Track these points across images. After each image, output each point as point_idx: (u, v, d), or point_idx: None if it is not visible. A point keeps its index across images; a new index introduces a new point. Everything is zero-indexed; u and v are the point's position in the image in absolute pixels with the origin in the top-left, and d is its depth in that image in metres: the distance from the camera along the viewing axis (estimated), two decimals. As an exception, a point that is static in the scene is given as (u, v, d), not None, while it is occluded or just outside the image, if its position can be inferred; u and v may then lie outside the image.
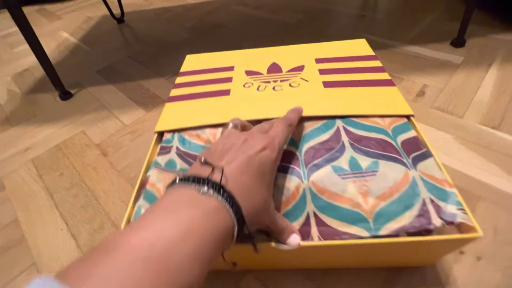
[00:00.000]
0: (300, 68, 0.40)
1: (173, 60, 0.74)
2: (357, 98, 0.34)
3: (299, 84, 0.37)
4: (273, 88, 0.37)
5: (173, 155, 0.30)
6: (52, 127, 0.58)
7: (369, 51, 0.43)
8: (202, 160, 0.20)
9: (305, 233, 0.24)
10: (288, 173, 0.27)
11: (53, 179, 0.47)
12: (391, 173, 0.26)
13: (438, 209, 0.24)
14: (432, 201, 0.24)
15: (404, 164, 0.26)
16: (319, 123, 0.32)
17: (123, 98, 0.63)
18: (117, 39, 0.89)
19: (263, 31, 0.82)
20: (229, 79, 0.41)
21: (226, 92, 0.38)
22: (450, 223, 0.23)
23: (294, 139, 0.31)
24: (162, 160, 0.29)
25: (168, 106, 0.38)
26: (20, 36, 0.59)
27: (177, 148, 0.32)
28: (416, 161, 0.27)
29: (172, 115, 0.36)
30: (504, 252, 0.31)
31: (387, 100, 0.34)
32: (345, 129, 0.31)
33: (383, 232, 0.23)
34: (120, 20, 0.98)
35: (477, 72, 0.57)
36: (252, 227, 0.20)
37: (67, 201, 0.43)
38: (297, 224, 0.25)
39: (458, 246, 0.24)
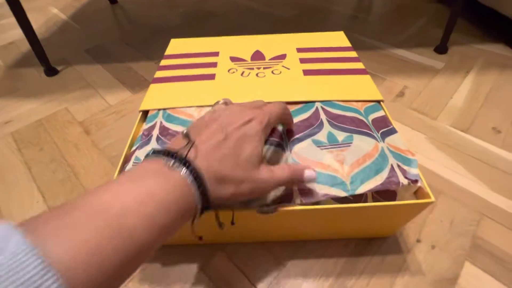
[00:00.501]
0: (282, 57, 0.43)
1: (164, 44, 0.72)
2: (333, 85, 0.37)
3: (280, 72, 0.39)
4: (257, 75, 0.39)
5: (153, 143, 0.31)
6: (35, 102, 0.57)
7: (346, 43, 0.46)
8: (184, 132, 0.20)
9: (287, 197, 0.26)
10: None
11: (32, 153, 0.47)
12: (363, 145, 0.29)
13: (403, 172, 0.27)
14: (398, 165, 0.27)
15: (374, 137, 0.30)
16: (300, 105, 0.35)
17: (110, 78, 0.63)
18: (108, 19, 0.88)
19: (256, 24, 0.82)
20: (214, 64, 0.42)
21: (211, 77, 0.39)
22: (415, 181, 0.26)
23: None
24: (141, 154, 0.30)
25: (153, 87, 0.39)
26: (7, 8, 0.58)
27: (160, 128, 0.33)
28: (384, 135, 0.31)
29: (157, 95, 0.37)
30: (457, 242, 0.34)
31: (361, 87, 0.37)
32: (323, 109, 0.34)
33: (358, 191, 0.25)
34: (113, 0, 0.96)
35: (455, 78, 0.59)
36: (227, 202, 0.20)
37: (45, 175, 0.43)
38: (280, 188, 0.27)
39: (419, 210, 0.27)
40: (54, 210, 0.15)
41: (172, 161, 0.18)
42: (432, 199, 0.25)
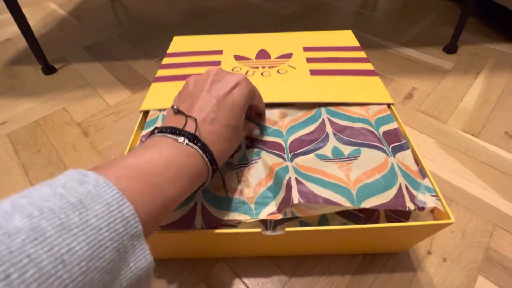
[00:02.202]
0: (288, 56, 0.41)
1: (165, 42, 0.71)
2: (341, 86, 0.36)
3: (286, 71, 0.38)
4: (261, 74, 0.38)
5: None
6: (32, 102, 0.56)
7: (355, 42, 0.44)
8: (175, 108, 0.23)
9: (286, 201, 0.24)
10: (274, 155, 0.28)
11: (29, 155, 0.46)
12: (372, 158, 0.27)
13: (411, 196, 0.25)
14: (407, 187, 0.25)
15: (384, 151, 0.28)
16: (305, 117, 0.33)
17: (110, 77, 0.61)
18: (108, 15, 0.86)
19: (258, 20, 0.80)
20: (217, 63, 0.41)
21: None
22: (421, 208, 0.24)
23: (280, 131, 0.31)
24: None
25: (154, 86, 0.37)
26: (3, 3, 0.56)
27: None
28: (395, 151, 0.28)
29: (158, 95, 0.36)
30: (469, 254, 0.32)
31: (370, 89, 0.35)
32: (329, 120, 0.32)
33: (364, 205, 0.23)
34: (112, -4, 0.94)
35: (465, 79, 0.57)
36: (222, 163, 0.24)
37: (42, 179, 0.42)
38: (281, 195, 0.25)
39: (432, 232, 0.25)
40: (100, 165, 0.17)
41: (182, 138, 0.21)
42: (452, 220, 0.23)
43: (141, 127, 0.33)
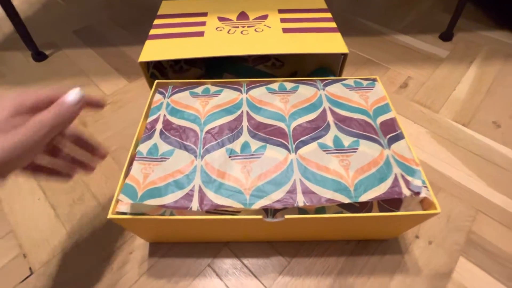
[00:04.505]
0: (264, 17, 0.47)
1: (159, 26, 0.69)
2: (308, 41, 0.42)
3: (263, 30, 0.44)
4: (241, 32, 0.43)
5: (155, 138, 0.30)
6: (25, 91, 0.55)
7: (323, 5, 0.50)
8: None
9: (290, 199, 0.26)
10: (277, 146, 0.30)
11: (28, 147, 0.46)
12: (369, 151, 0.29)
13: (407, 183, 0.27)
14: (402, 175, 0.27)
15: (380, 144, 0.30)
16: (307, 103, 0.34)
17: (104, 64, 0.60)
18: (96, -4, 0.81)
19: None
20: (203, 23, 0.46)
21: (201, 34, 0.44)
22: (417, 193, 0.26)
23: (283, 116, 0.32)
24: (144, 148, 0.30)
25: (149, 42, 0.43)
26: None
27: (164, 121, 0.32)
28: (391, 141, 0.30)
29: (153, 50, 0.41)
30: (453, 237, 0.35)
31: (330, 42, 0.42)
32: (331, 110, 0.33)
33: (362, 199, 0.25)
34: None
35: (459, 68, 0.59)
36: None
37: (44, 171, 0.42)
38: (283, 190, 0.26)
39: (422, 220, 0.28)
40: None
41: None
42: (438, 210, 0.25)
43: (144, 123, 0.34)
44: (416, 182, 0.27)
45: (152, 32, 0.45)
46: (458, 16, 0.62)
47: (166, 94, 0.36)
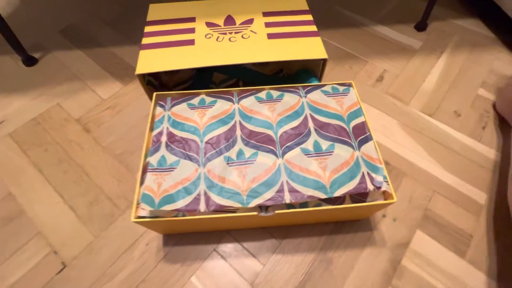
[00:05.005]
0: (250, 21, 0.50)
1: (144, 22, 0.70)
2: (291, 46, 0.46)
3: (249, 36, 0.47)
4: (229, 39, 0.46)
5: (163, 150, 0.35)
6: (22, 98, 0.57)
7: (304, 6, 0.53)
8: None
9: (279, 197, 0.32)
10: (267, 152, 0.35)
11: (38, 154, 0.49)
12: (342, 153, 0.35)
13: (371, 179, 0.34)
14: (368, 173, 0.34)
15: (352, 146, 0.36)
16: (290, 111, 0.39)
17: (96, 67, 0.62)
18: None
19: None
20: (192, 30, 0.48)
21: (191, 42, 0.47)
22: (378, 188, 0.33)
23: (271, 124, 0.38)
24: (154, 160, 0.35)
25: (143, 53, 0.45)
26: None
27: (168, 134, 0.37)
28: (361, 143, 0.37)
29: (148, 60, 0.44)
30: (413, 215, 0.43)
31: (312, 48, 0.45)
32: (311, 116, 0.39)
33: (336, 194, 0.32)
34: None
35: (429, 59, 0.64)
36: None
37: (58, 177, 0.47)
38: (273, 190, 0.33)
39: (381, 208, 0.35)
40: None
41: None
42: (394, 200, 0.33)
43: (151, 136, 0.38)
44: (379, 178, 0.34)
45: (145, 41, 0.47)
46: (433, 5, 0.66)
47: (166, 107, 0.40)
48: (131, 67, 0.62)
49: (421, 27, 0.70)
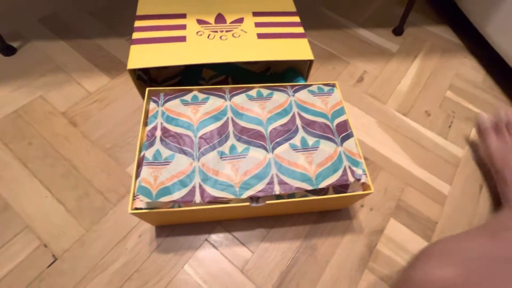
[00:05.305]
0: (240, 20, 0.51)
1: (131, 15, 0.69)
2: (278, 47, 0.48)
3: (239, 35, 0.48)
4: (220, 38, 0.47)
5: (157, 145, 0.36)
6: (2, 89, 0.55)
7: (292, 8, 0.55)
8: None
9: (269, 189, 0.35)
10: (258, 147, 0.38)
11: (22, 148, 0.48)
12: (326, 149, 0.38)
13: (352, 172, 0.37)
14: (349, 167, 0.37)
15: (335, 142, 0.39)
16: (280, 109, 0.42)
17: (81, 59, 0.60)
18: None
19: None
20: (183, 27, 0.49)
21: (183, 39, 0.47)
22: (358, 180, 0.37)
23: (261, 120, 0.40)
24: (149, 154, 0.36)
25: (134, 48, 0.45)
26: None
27: (162, 129, 0.38)
28: (343, 140, 0.40)
29: (139, 56, 0.44)
30: (387, 204, 0.48)
31: (299, 49, 0.48)
32: (299, 114, 0.41)
33: (321, 185, 0.36)
34: None
35: (405, 63, 0.69)
36: None
37: (44, 171, 0.46)
38: (264, 182, 0.35)
39: (360, 198, 0.39)
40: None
41: None
42: (372, 190, 0.36)
43: (144, 131, 0.39)
44: (359, 172, 0.37)
45: (136, 35, 0.47)
46: (408, 12, 0.71)
47: (160, 102, 0.41)
48: (118, 60, 0.61)
49: (398, 31, 0.75)
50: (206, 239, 0.42)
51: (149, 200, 0.32)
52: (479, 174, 0.53)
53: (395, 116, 0.60)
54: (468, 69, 0.70)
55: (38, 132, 0.50)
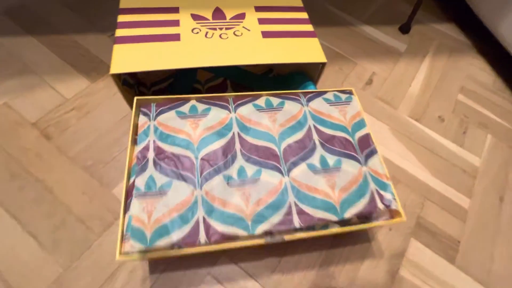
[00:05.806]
0: (242, 16, 0.45)
1: (113, 6, 0.60)
2: (286, 48, 0.42)
3: (242, 34, 0.42)
4: (220, 36, 0.41)
5: (150, 169, 0.30)
6: (-43, 96, 0.46)
7: (298, 2, 0.49)
8: None
9: (288, 221, 0.29)
10: (271, 169, 0.32)
11: (-18, 168, 0.40)
12: (350, 169, 0.33)
13: (381, 197, 0.32)
14: (377, 191, 0.33)
15: (359, 161, 0.34)
16: (292, 121, 0.36)
17: (55, 59, 0.52)
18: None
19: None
20: (176, 22, 0.42)
21: (176, 37, 0.40)
22: (388, 206, 0.32)
23: (273, 136, 0.34)
24: (141, 182, 0.29)
25: (118, 47, 0.38)
26: None
27: (155, 149, 0.32)
28: (367, 157, 0.35)
29: (125, 58, 0.37)
30: (406, 223, 0.44)
31: (309, 50, 0.42)
32: (315, 128, 0.36)
33: (346, 215, 0.31)
34: None
35: (414, 63, 0.65)
36: None
37: (12, 195, 0.39)
38: (280, 213, 0.30)
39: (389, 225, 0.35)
40: None
41: None
42: (404, 219, 0.32)
43: (133, 149, 0.32)
44: (388, 196, 0.32)
45: (119, 33, 0.40)
46: (417, 9, 0.67)
47: (151, 115, 0.34)
48: (99, 60, 0.53)
49: (405, 29, 0.70)
50: (208, 273, 0.37)
51: (142, 247, 0.26)
52: (499, 185, 0.50)
53: (408, 122, 0.55)
54: (478, 70, 0.66)
55: (1, 147, 0.42)
